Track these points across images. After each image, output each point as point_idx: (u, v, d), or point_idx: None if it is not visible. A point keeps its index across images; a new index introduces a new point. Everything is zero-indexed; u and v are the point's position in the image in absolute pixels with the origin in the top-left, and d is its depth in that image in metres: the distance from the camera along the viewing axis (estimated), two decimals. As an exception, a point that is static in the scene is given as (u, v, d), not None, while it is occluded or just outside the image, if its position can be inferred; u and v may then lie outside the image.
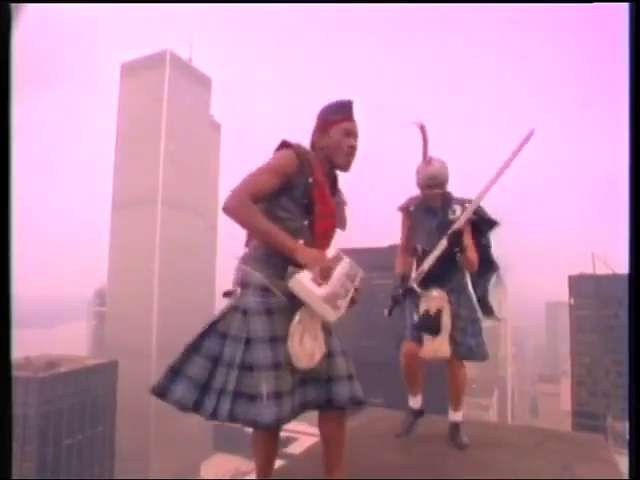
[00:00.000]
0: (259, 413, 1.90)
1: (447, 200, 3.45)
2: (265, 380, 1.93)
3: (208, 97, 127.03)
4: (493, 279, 3.55)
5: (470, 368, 3.51)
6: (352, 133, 2.18)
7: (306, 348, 1.98)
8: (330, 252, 2.13)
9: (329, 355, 2.10)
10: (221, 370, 2.00)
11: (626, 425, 44.62)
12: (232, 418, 1.95)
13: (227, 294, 2.14)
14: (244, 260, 2.14)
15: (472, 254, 3.30)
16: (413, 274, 3.37)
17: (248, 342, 1.98)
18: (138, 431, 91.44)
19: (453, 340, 3.31)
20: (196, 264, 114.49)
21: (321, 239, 2.11)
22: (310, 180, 2.07)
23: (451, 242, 3.20)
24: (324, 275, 1.92)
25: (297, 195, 2.07)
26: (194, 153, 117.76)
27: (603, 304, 66.87)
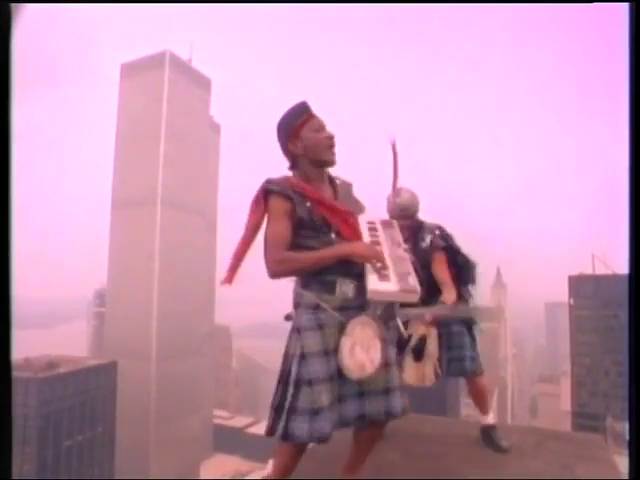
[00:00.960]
0: (322, 426, 1.94)
1: (416, 229, 3.46)
2: (325, 393, 1.98)
3: (208, 98, 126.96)
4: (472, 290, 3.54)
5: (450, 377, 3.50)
6: (322, 126, 2.19)
7: (357, 360, 2.00)
8: (362, 219, 2.26)
9: (386, 365, 2.12)
10: (289, 388, 2.05)
11: (626, 425, 44.63)
12: (294, 436, 1.98)
13: (287, 318, 2.19)
14: (297, 282, 2.19)
15: (450, 292, 3.26)
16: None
17: (303, 357, 2.03)
18: (138, 432, 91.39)
19: (454, 359, 3.34)
20: (196, 264, 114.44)
21: (354, 236, 2.14)
22: (308, 204, 2.11)
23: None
24: (381, 263, 1.98)
25: (308, 222, 2.10)
26: (194, 154, 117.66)
27: (603, 304, 66.88)
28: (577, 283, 71.73)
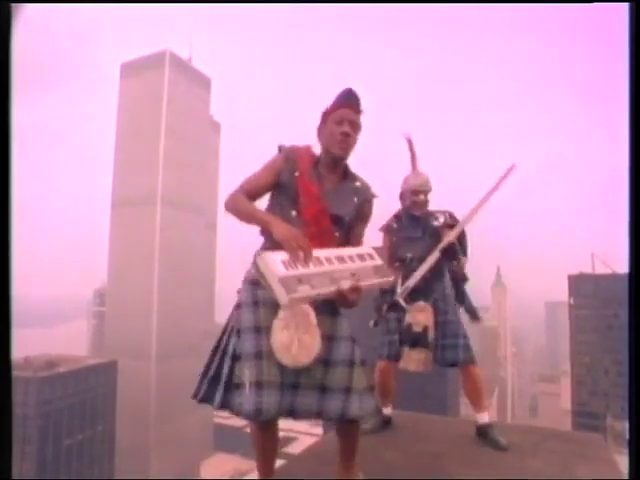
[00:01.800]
0: (240, 402, 1.95)
1: (428, 212, 3.57)
2: (247, 369, 1.97)
3: (208, 97, 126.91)
4: (468, 286, 3.63)
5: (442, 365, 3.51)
6: (346, 120, 2.15)
7: (283, 342, 1.94)
8: (355, 250, 2.13)
9: (327, 363, 2.06)
10: (226, 362, 2.07)
11: (626, 425, 44.63)
12: (224, 407, 2.02)
13: (239, 292, 2.21)
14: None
15: (462, 261, 3.47)
16: (398, 288, 3.41)
17: (239, 332, 2.06)
18: (138, 431, 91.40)
19: (448, 346, 3.38)
20: (196, 264, 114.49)
21: (312, 228, 2.09)
22: (296, 174, 2.16)
23: (447, 255, 3.34)
24: (304, 256, 1.84)
25: (287, 190, 2.16)
26: (194, 153, 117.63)
27: (603, 304, 66.88)
28: (577, 282, 71.70)
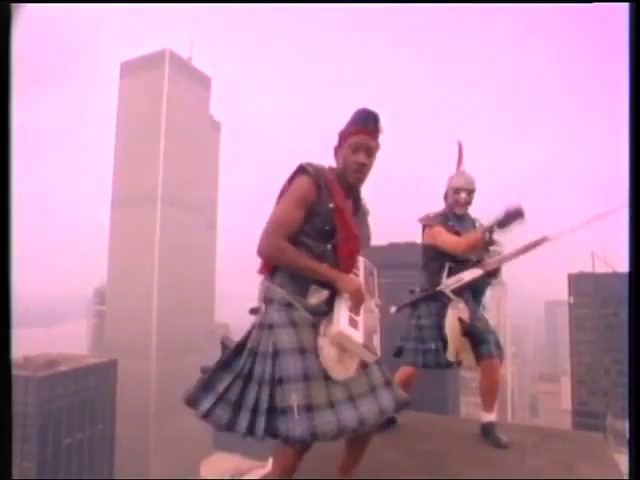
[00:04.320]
0: (290, 427, 1.87)
1: (468, 215, 3.65)
2: (295, 392, 1.90)
3: (208, 96, 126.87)
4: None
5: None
6: (362, 148, 2.10)
7: (335, 358, 1.96)
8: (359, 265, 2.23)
9: (364, 366, 2.08)
10: (253, 387, 1.99)
11: (626, 424, 44.65)
12: (269, 434, 1.94)
13: (253, 311, 2.15)
14: (267, 276, 2.15)
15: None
16: (442, 281, 3.44)
17: (276, 355, 1.97)
18: (138, 430, 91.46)
19: (483, 341, 3.39)
20: (196, 263, 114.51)
21: (346, 263, 2.10)
22: (331, 205, 2.05)
23: (490, 274, 3.40)
24: (359, 307, 1.98)
25: (319, 221, 2.07)
26: (194, 152, 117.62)
27: (603, 303, 66.82)
28: (577, 281, 71.63)
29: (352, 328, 1.90)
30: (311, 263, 2.01)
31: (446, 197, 3.66)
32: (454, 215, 3.58)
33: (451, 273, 3.43)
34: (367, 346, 1.90)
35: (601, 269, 74.41)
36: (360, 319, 1.96)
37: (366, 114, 2.13)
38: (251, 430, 1.95)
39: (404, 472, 2.90)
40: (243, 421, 1.97)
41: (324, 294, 2.02)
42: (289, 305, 2.03)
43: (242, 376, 2.02)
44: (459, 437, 3.54)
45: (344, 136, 2.14)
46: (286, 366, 1.93)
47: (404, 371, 3.56)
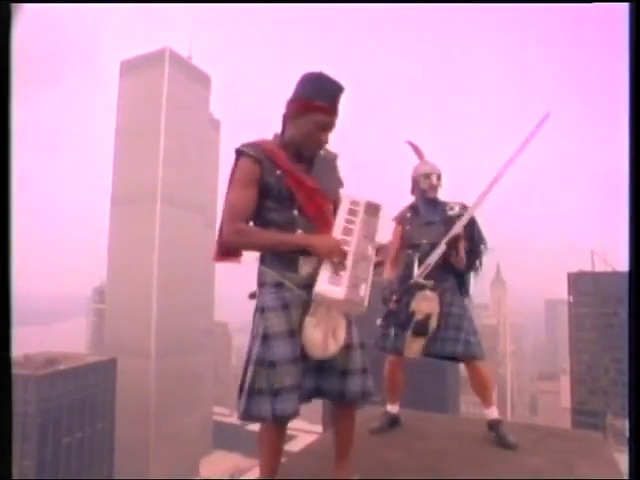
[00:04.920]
0: (285, 408, 1.92)
1: (439, 202, 3.63)
2: (288, 375, 1.95)
3: (207, 95, 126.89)
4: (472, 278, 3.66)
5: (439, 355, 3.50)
6: (328, 127, 2.08)
7: (318, 339, 1.98)
8: (344, 201, 2.18)
9: (347, 347, 2.10)
10: (249, 369, 2.03)
11: (626, 423, 44.71)
12: (254, 416, 1.98)
13: (252, 296, 2.15)
14: (260, 260, 2.15)
15: (461, 254, 3.46)
16: (415, 271, 3.40)
17: (266, 338, 1.99)
18: (138, 428, 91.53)
19: (449, 338, 3.36)
20: (195, 261, 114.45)
21: (319, 219, 2.09)
22: (278, 172, 2.04)
23: (450, 246, 3.31)
24: (341, 264, 1.93)
25: (273, 191, 2.05)
26: (193, 150, 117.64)
27: (602, 301, 66.84)
28: (577, 280, 71.62)
29: (332, 286, 1.88)
30: (276, 236, 2.01)
31: (414, 186, 3.69)
32: (426, 200, 3.60)
33: (420, 263, 3.42)
34: (349, 299, 1.88)
35: (601, 268, 74.53)
36: (346, 273, 1.92)
37: (335, 87, 2.04)
38: (243, 412, 1.99)
39: (404, 472, 2.90)
40: (240, 404, 2.01)
41: (312, 261, 2.00)
42: (280, 285, 2.04)
43: (246, 362, 2.07)
44: (459, 436, 3.54)
45: (309, 107, 2.02)
46: (277, 350, 1.96)
47: (388, 359, 3.58)
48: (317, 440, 3.52)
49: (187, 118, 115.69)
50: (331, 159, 2.27)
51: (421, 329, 3.31)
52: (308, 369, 2.05)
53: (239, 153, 2.09)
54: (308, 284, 1.97)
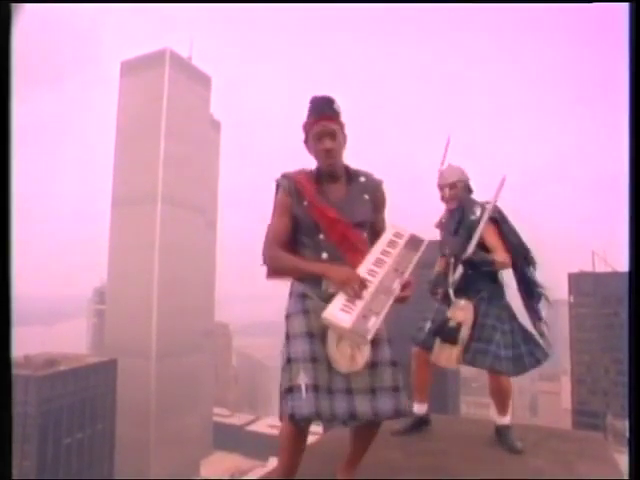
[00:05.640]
0: (297, 405, 1.94)
1: (466, 201, 3.56)
2: (303, 371, 2.00)
3: (208, 95, 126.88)
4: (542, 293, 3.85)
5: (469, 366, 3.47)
6: (325, 134, 2.18)
7: (345, 352, 2.05)
8: (389, 232, 2.24)
9: (373, 365, 2.14)
10: (282, 373, 2.12)
11: (626, 423, 44.66)
12: (283, 415, 2.03)
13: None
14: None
15: (501, 254, 3.38)
16: (450, 277, 3.43)
17: (288, 339, 2.14)
18: (138, 429, 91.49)
19: (478, 350, 3.32)
20: (196, 262, 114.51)
21: (342, 246, 2.18)
22: (305, 203, 2.21)
23: (472, 264, 3.33)
24: (358, 292, 1.96)
25: (303, 220, 2.22)
26: (194, 151, 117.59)
27: (603, 302, 66.74)
28: (577, 280, 71.47)
29: (342, 312, 1.92)
30: (298, 263, 2.15)
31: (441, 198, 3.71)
32: (449, 212, 3.62)
33: (446, 276, 3.47)
34: (354, 330, 1.89)
35: (601, 268, 74.38)
36: (361, 303, 1.95)
37: (319, 101, 2.21)
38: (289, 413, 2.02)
39: (404, 471, 2.90)
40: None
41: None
42: (304, 295, 2.19)
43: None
44: (459, 437, 3.55)
45: (307, 129, 2.24)
46: (295, 348, 2.07)
47: (413, 352, 3.56)
48: (318, 440, 3.52)
49: (188, 119, 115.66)
50: (373, 185, 2.35)
51: (450, 337, 3.30)
52: (338, 389, 2.05)
53: (277, 185, 2.30)
54: (330, 298, 2.02)
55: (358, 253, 2.15)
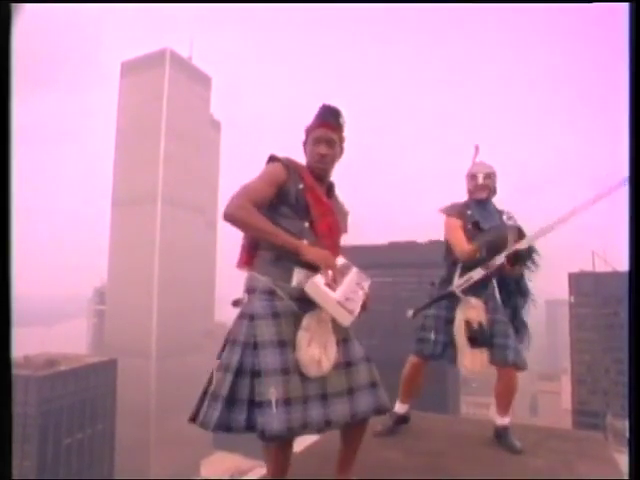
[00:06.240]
0: (267, 421, 1.84)
1: (495, 208, 3.52)
2: (274, 386, 1.89)
3: (208, 95, 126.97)
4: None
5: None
6: (323, 140, 2.21)
7: (314, 355, 1.97)
8: (339, 261, 2.16)
9: (348, 365, 2.11)
10: (227, 378, 1.98)
11: (626, 423, 44.63)
12: (248, 428, 1.92)
13: (236, 303, 2.15)
14: (252, 266, 2.17)
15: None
16: (456, 278, 3.33)
17: (255, 347, 1.95)
18: (138, 429, 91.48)
19: (498, 346, 3.28)
20: (196, 262, 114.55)
21: (326, 240, 2.14)
22: (301, 186, 2.15)
23: (511, 261, 3.18)
24: (335, 278, 1.95)
25: (292, 201, 2.14)
26: (194, 151, 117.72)
27: (603, 302, 66.79)
28: (577, 280, 71.52)
29: (328, 288, 1.89)
30: (274, 228, 2.03)
31: (468, 189, 3.57)
32: (476, 202, 3.48)
33: (464, 270, 3.30)
34: (342, 303, 1.87)
35: (601, 268, 74.38)
36: (341, 286, 1.95)
37: (326, 109, 2.25)
38: (231, 424, 1.96)
39: (404, 472, 2.90)
40: (233, 415, 1.96)
41: (307, 274, 2.01)
42: (272, 293, 2.04)
43: (230, 369, 1.99)
44: (459, 437, 3.54)
45: (310, 130, 2.25)
46: (265, 359, 1.92)
47: (410, 361, 3.50)
48: (317, 440, 3.52)
49: (188, 119, 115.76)
50: (345, 211, 2.43)
51: (483, 339, 3.23)
52: (311, 395, 1.98)
53: (272, 158, 2.22)
54: (300, 297, 1.98)
55: (334, 254, 2.12)
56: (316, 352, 1.97)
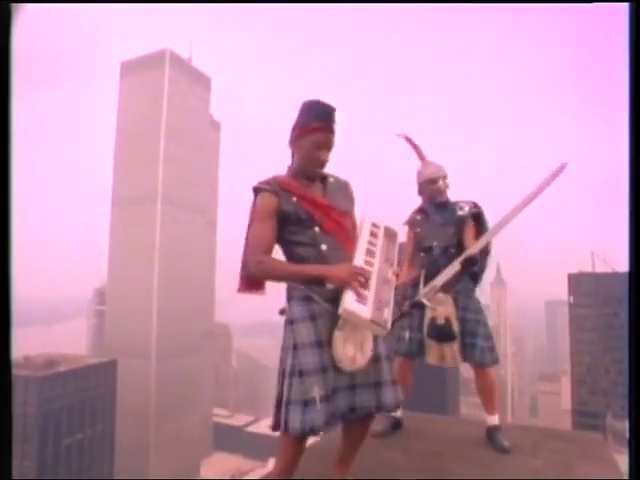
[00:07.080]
0: (314, 418, 1.97)
1: (448, 202, 3.53)
2: (316, 384, 2.01)
3: (208, 96, 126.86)
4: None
5: (469, 367, 3.47)
6: (325, 146, 2.20)
7: (348, 353, 2.06)
8: (364, 229, 2.26)
9: (376, 359, 2.18)
10: (285, 381, 2.10)
11: (626, 424, 44.65)
12: (291, 427, 2.01)
13: (282, 312, 2.23)
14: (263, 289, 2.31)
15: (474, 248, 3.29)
16: (421, 286, 3.29)
17: (295, 348, 2.08)
18: (138, 430, 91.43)
19: (466, 345, 3.31)
20: (196, 262, 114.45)
21: (339, 235, 2.19)
22: (294, 199, 2.17)
23: (465, 267, 3.17)
24: (364, 284, 1.96)
25: (293, 217, 2.16)
26: (194, 152, 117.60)
27: (603, 302, 66.82)
28: (577, 281, 71.57)
29: (359, 304, 1.92)
30: (293, 267, 2.12)
31: (420, 191, 3.60)
32: (436, 206, 3.51)
33: (427, 278, 3.29)
34: (375, 321, 1.91)
35: (601, 269, 74.53)
36: (370, 293, 1.97)
37: (326, 109, 2.19)
38: (286, 425, 2.03)
39: (404, 472, 2.90)
40: (282, 416, 2.07)
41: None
42: (308, 299, 2.12)
43: (280, 374, 2.15)
44: (459, 437, 3.54)
45: (306, 130, 2.18)
46: (305, 359, 2.04)
47: (398, 362, 3.49)
48: (318, 440, 3.52)
49: (188, 119, 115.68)
50: (343, 183, 2.40)
51: (448, 335, 3.28)
52: (341, 386, 2.10)
53: (256, 190, 2.22)
54: (335, 297, 2.03)
55: (352, 242, 2.19)
56: (350, 349, 2.06)
